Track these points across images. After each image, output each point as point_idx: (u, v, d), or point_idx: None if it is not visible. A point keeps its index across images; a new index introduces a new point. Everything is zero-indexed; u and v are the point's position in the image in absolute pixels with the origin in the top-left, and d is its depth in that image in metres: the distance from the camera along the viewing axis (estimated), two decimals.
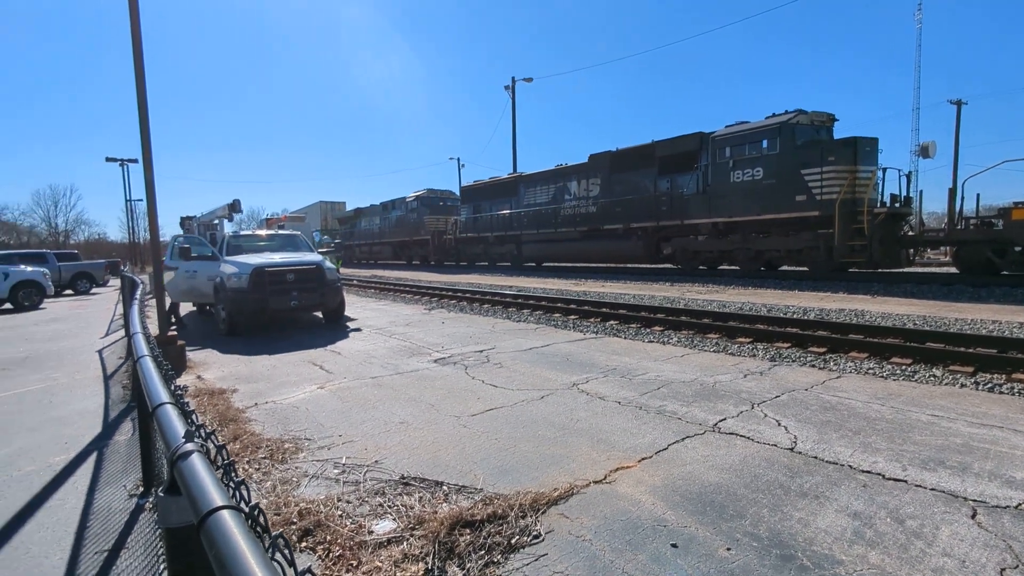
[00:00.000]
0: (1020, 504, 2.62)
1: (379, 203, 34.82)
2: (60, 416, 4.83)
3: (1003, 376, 4.94)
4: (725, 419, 3.97)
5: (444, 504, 2.82)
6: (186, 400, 1.25)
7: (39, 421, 4.69)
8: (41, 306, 16.32)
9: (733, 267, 15.87)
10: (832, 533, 2.42)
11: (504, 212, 23.73)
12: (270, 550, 0.58)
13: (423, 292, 15.00)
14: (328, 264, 9.54)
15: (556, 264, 22.96)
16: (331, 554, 2.40)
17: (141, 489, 3.31)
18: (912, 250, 12.77)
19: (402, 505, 2.85)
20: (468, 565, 2.26)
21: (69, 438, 4.25)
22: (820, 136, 13.52)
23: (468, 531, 2.49)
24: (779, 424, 3.83)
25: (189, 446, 0.88)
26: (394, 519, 2.70)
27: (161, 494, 0.87)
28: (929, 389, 4.64)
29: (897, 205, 12.80)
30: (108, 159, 35.20)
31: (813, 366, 5.63)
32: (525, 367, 5.90)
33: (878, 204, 12.84)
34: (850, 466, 3.11)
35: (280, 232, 11.64)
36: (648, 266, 18.95)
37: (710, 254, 16.04)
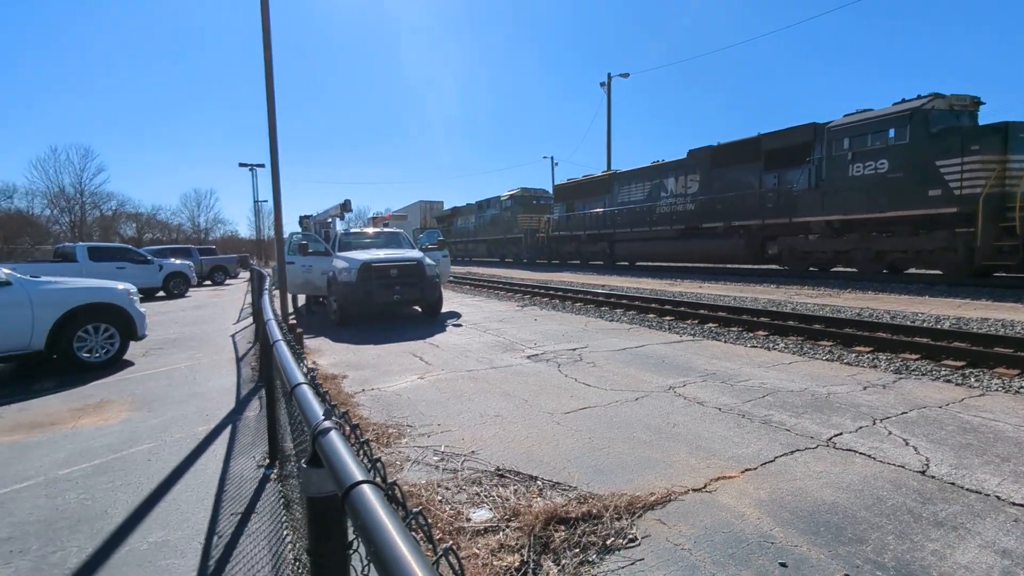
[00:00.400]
0: None
1: (474, 202, 35.88)
2: (202, 391, 5.52)
3: None
4: (841, 434, 3.64)
5: (538, 499, 2.86)
6: (319, 381, 1.38)
7: (185, 395, 5.40)
8: (187, 294, 18.78)
9: (849, 269, 14.43)
10: (975, 571, 2.14)
11: (597, 210, 23.42)
12: (409, 523, 0.63)
13: (516, 289, 15.24)
14: (428, 260, 10.01)
15: (650, 264, 22.26)
16: (432, 538, 2.53)
17: (267, 461, 3.70)
18: None
19: (498, 496, 2.93)
20: (563, 562, 2.27)
21: (209, 411, 4.84)
22: (961, 122, 11.84)
23: (563, 528, 2.50)
24: (907, 444, 3.44)
25: (327, 423, 0.98)
26: (490, 509, 2.79)
27: (304, 465, 0.97)
28: None
29: None
30: (241, 164, 39.56)
31: (948, 381, 4.98)
32: (618, 367, 5.81)
33: None
34: (997, 496, 2.72)
35: (385, 230, 12.43)
36: (750, 267, 17.79)
37: (822, 255, 14.70)
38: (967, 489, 2.81)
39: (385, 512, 0.62)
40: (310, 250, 10.65)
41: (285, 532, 2.75)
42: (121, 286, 6.97)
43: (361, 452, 0.90)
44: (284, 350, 1.83)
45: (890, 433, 3.62)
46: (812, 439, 3.56)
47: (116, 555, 2.55)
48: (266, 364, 4.09)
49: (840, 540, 2.37)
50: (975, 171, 10.84)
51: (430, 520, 2.69)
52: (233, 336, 9.11)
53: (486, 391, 5.06)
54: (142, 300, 7.38)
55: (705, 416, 4.12)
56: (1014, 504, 2.65)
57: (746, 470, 3.11)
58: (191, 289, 20.08)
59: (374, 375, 5.86)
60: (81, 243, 17.99)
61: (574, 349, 6.86)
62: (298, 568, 2.39)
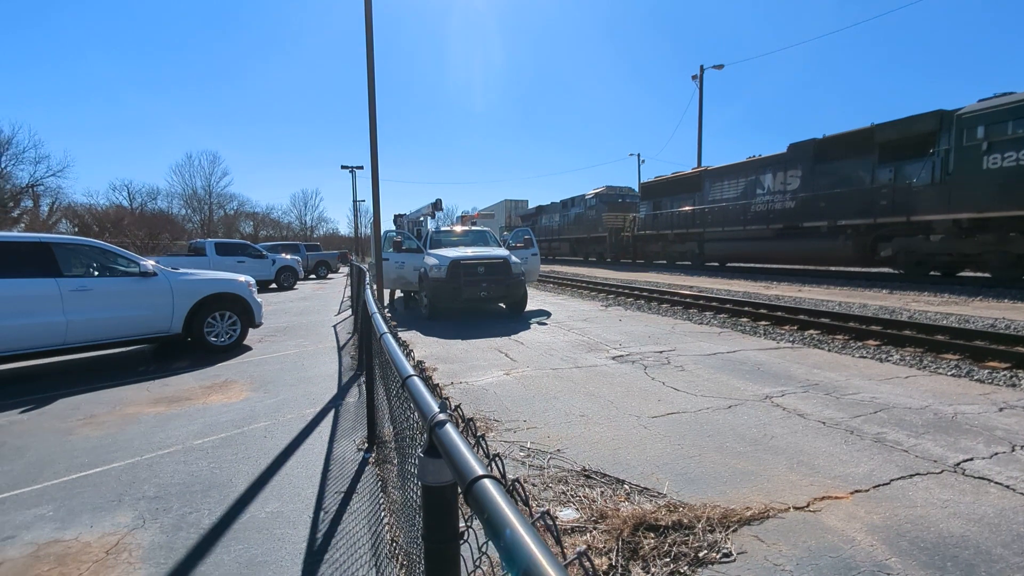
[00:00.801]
0: None
1: (559, 200, 35.86)
2: (309, 376, 6.01)
3: None
4: (972, 459, 3.25)
5: (626, 503, 2.83)
6: (429, 375, 1.47)
7: (295, 379, 5.90)
8: (295, 287, 20.49)
9: (980, 274, 12.72)
10: None
11: (686, 208, 22.50)
12: (535, 522, 0.66)
13: (599, 289, 15.06)
14: (514, 259, 10.18)
15: (742, 265, 21.04)
16: (560, 539, 2.58)
17: (366, 445, 3.97)
18: None
19: (584, 496, 2.93)
20: (653, 570, 2.24)
21: (315, 395, 5.27)
22: None
23: (652, 535, 2.46)
24: None
25: (442, 416, 1.05)
26: (576, 509, 2.80)
27: (421, 455, 1.05)
28: None
29: None
30: (343, 167, 42.41)
31: None
32: (709, 372, 5.57)
33: None
34: None
35: (473, 228, 12.80)
36: (857, 269, 16.26)
37: (947, 257, 13.07)
38: None
39: (510, 509, 0.65)
40: (403, 247, 11.22)
41: (383, 514, 2.94)
42: (242, 278, 7.77)
43: (477, 447, 0.95)
44: (391, 342, 1.96)
45: None
46: (935, 463, 3.21)
47: (240, 520, 2.86)
48: (366, 355, 4.37)
49: None
50: None
51: None
52: (335, 326, 9.82)
53: (571, 390, 5.06)
54: (258, 291, 8.16)
55: (807, 429, 3.85)
56: None
57: (856, 491, 2.87)
58: (298, 282, 21.88)
59: (462, 369, 6.07)
60: (209, 239, 20.20)
61: (661, 351, 6.67)
62: (394, 549, 2.55)
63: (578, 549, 0.58)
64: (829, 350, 6.71)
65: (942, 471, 3.10)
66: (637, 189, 29.82)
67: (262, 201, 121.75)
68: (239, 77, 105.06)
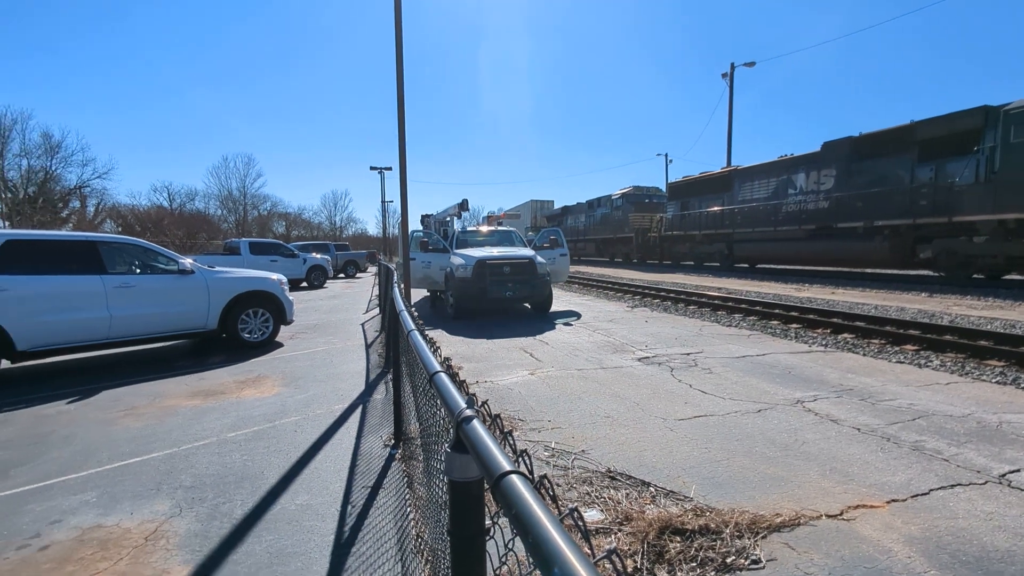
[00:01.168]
0: None
1: (584, 201, 35.68)
2: (337, 373, 6.13)
3: None
4: (1019, 471, 3.11)
5: (651, 505, 2.80)
6: (455, 371, 1.49)
7: (325, 375, 6.03)
8: (324, 285, 20.91)
9: None
10: None
11: (714, 209, 22.10)
12: (563, 519, 0.66)
13: (625, 289, 14.92)
14: (539, 259, 10.18)
15: (772, 266, 20.55)
16: (588, 536, 2.57)
17: (392, 441, 4.02)
18: None
19: (608, 498, 2.91)
20: (679, 575, 2.21)
21: (343, 392, 5.37)
22: None
23: (678, 539, 2.43)
24: None
25: (469, 412, 1.06)
26: (601, 511, 2.79)
27: (448, 450, 1.06)
28: None
29: None
30: (371, 168, 43.06)
31: None
32: (737, 376, 5.46)
33: None
34: None
35: (499, 228, 12.85)
36: (894, 272, 15.69)
37: (992, 259, 12.49)
38: None
39: (539, 505, 0.65)
40: (430, 247, 11.34)
41: (408, 510, 2.98)
42: (274, 277, 7.97)
43: (504, 443, 0.96)
44: (419, 340, 1.99)
45: None
46: (979, 473, 3.08)
47: (271, 512, 2.93)
48: (393, 352, 4.43)
49: None
50: None
51: None
52: (362, 325, 9.99)
53: (596, 391, 5.03)
54: (289, 290, 8.36)
55: (840, 436, 3.74)
56: None
57: (892, 501, 2.78)
58: (328, 281, 22.32)
59: (487, 368, 6.09)
60: (244, 239, 20.77)
61: (688, 353, 6.57)
62: (420, 544, 2.58)
63: (608, 547, 0.58)
64: (864, 354, 6.50)
65: (986, 482, 2.97)
66: (664, 189, 29.43)
67: (294, 202, 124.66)
68: (273, 80, 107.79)
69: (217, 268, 7.57)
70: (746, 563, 2.27)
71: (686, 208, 24.43)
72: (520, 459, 0.89)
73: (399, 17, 7.18)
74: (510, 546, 0.88)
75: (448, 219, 14.47)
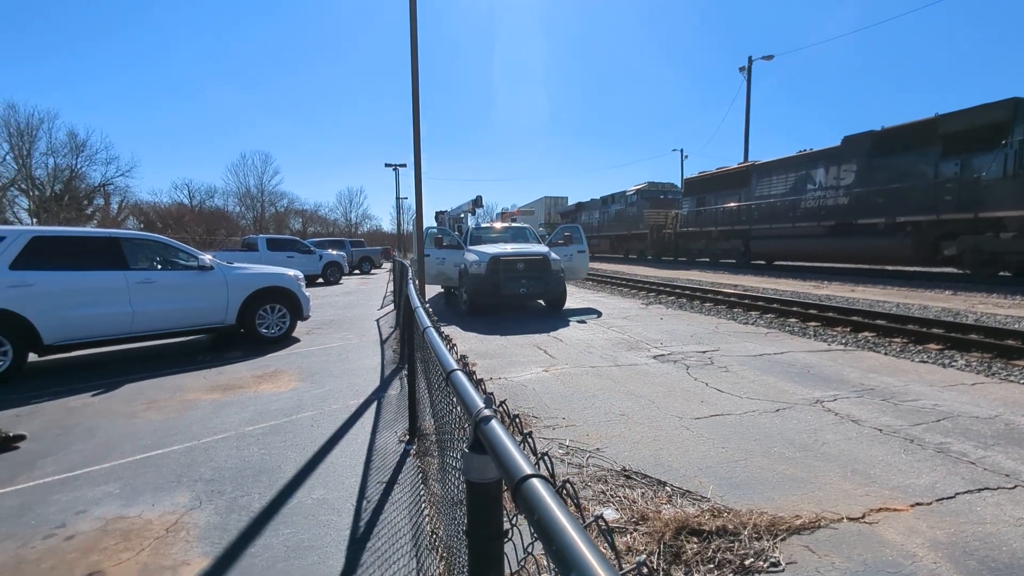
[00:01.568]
0: None
1: (599, 197, 35.47)
2: (353, 368, 6.18)
3: None
4: None
5: (667, 505, 2.78)
6: (472, 369, 1.48)
7: (340, 371, 6.08)
8: (340, 282, 21.10)
9: None
10: None
11: (731, 205, 21.81)
12: (587, 526, 0.65)
13: (640, 286, 14.81)
14: (553, 255, 10.14)
15: (790, 263, 20.24)
16: (614, 544, 2.56)
17: (407, 437, 4.04)
18: None
19: (624, 497, 2.89)
20: None
21: (358, 387, 5.41)
22: None
23: (695, 540, 2.40)
24: None
25: (487, 412, 1.05)
26: (616, 510, 2.77)
27: (467, 450, 1.05)
28: None
29: None
30: (386, 165, 43.34)
31: None
32: (754, 374, 5.39)
33: None
34: None
35: (513, 225, 12.84)
36: (916, 269, 15.35)
37: (1020, 256, 12.15)
38: None
39: (562, 511, 0.63)
40: (444, 243, 11.36)
41: (423, 506, 2.99)
42: (291, 273, 8.06)
43: (523, 444, 0.94)
44: (435, 337, 1.98)
45: None
46: (1007, 477, 2.99)
47: (287, 505, 2.97)
48: (408, 348, 4.44)
49: None
50: None
51: None
52: (377, 321, 10.05)
53: (611, 389, 5.00)
54: (306, 285, 8.44)
55: (861, 436, 3.67)
56: None
57: (916, 504, 2.71)
58: (343, 277, 22.51)
59: (501, 365, 6.09)
60: (261, 236, 21.02)
61: (704, 351, 6.50)
62: (435, 540, 2.59)
63: (638, 559, 0.56)
64: (886, 353, 6.37)
65: (1015, 486, 2.89)
66: (680, 185, 29.13)
67: (310, 199, 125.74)
68: (290, 78, 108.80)
69: (235, 264, 7.67)
70: (765, 566, 2.23)
71: (702, 204, 24.14)
72: (541, 462, 0.88)
73: (414, 14, 7.18)
74: (529, 550, 0.86)
75: (462, 215, 14.50)
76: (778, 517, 2.59)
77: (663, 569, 2.24)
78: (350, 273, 26.24)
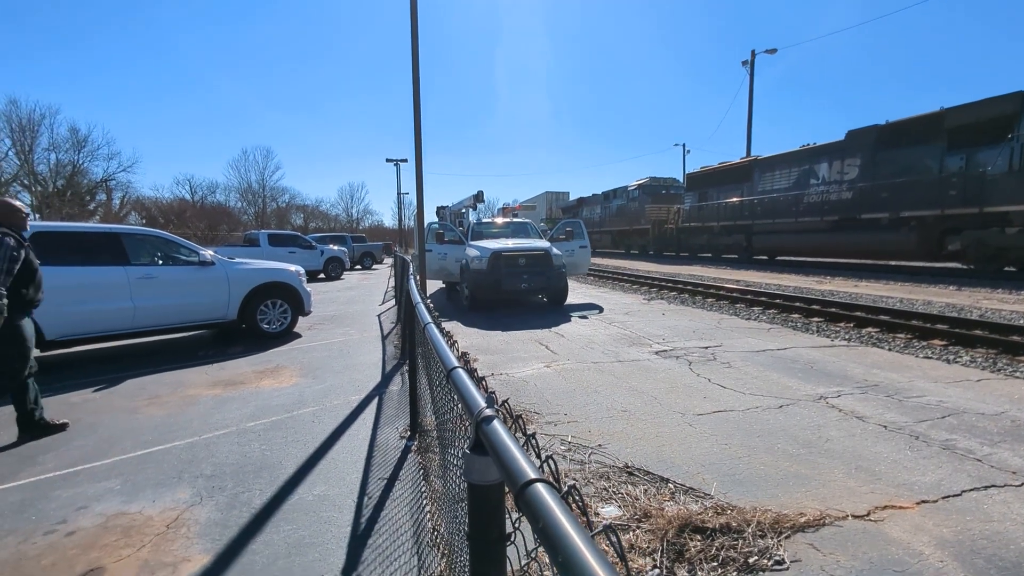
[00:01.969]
0: None
1: (600, 192, 35.37)
2: (354, 364, 6.16)
3: None
4: None
5: (670, 502, 2.76)
6: (473, 367, 1.46)
7: (342, 366, 6.06)
8: (341, 277, 21.09)
9: None
10: None
11: (733, 200, 21.72)
12: (595, 536, 0.62)
13: (641, 282, 14.77)
14: (555, 251, 10.10)
15: (793, 258, 20.16)
16: (624, 556, 2.55)
17: (408, 433, 4.03)
18: None
19: (626, 494, 2.87)
20: (699, 574, 2.16)
21: (360, 383, 5.39)
22: None
23: (698, 537, 2.38)
24: None
25: (489, 411, 1.02)
26: (619, 507, 2.75)
27: (467, 451, 1.02)
28: None
29: None
30: (387, 160, 43.25)
31: None
32: (757, 370, 5.36)
33: None
34: None
35: (514, 220, 12.79)
36: (920, 264, 15.27)
37: None
38: None
39: (568, 520, 0.60)
40: (446, 239, 11.33)
41: (425, 502, 2.97)
42: (292, 268, 8.04)
43: (527, 445, 0.92)
44: (435, 333, 1.96)
45: None
46: (1015, 474, 2.97)
47: (288, 502, 2.95)
48: (409, 344, 4.42)
49: None
50: None
51: None
52: (379, 316, 10.04)
53: (613, 385, 4.98)
54: (307, 281, 8.42)
55: (866, 433, 3.64)
56: None
57: (922, 502, 2.69)
58: (345, 272, 22.50)
59: (502, 360, 6.07)
60: (263, 231, 21.00)
61: (706, 347, 6.47)
62: (436, 537, 2.57)
63: (651, 573, 0.53)
64: (889, 349, 6.34)
65: (1022, 484, 2.86)
66: (682, 180, 29.02)
67: (311, 194, 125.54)
68: (291, 73, 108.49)
69: (237, 259, 7.65)
70: (769, 564, 2.21)
71: (704, 199, 24.06)
72: (546, 465, 0.85)
73: (415, 9, 7.12)
74: (532, 555, 0.84)
75: (463, 211, 14.45)
76: (782, 515, 2.56)
77: (666, 567, 2.22)
78: (351, 268, 26.22)
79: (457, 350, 1.74)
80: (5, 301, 3.60)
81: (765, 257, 21.45)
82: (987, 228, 12.62)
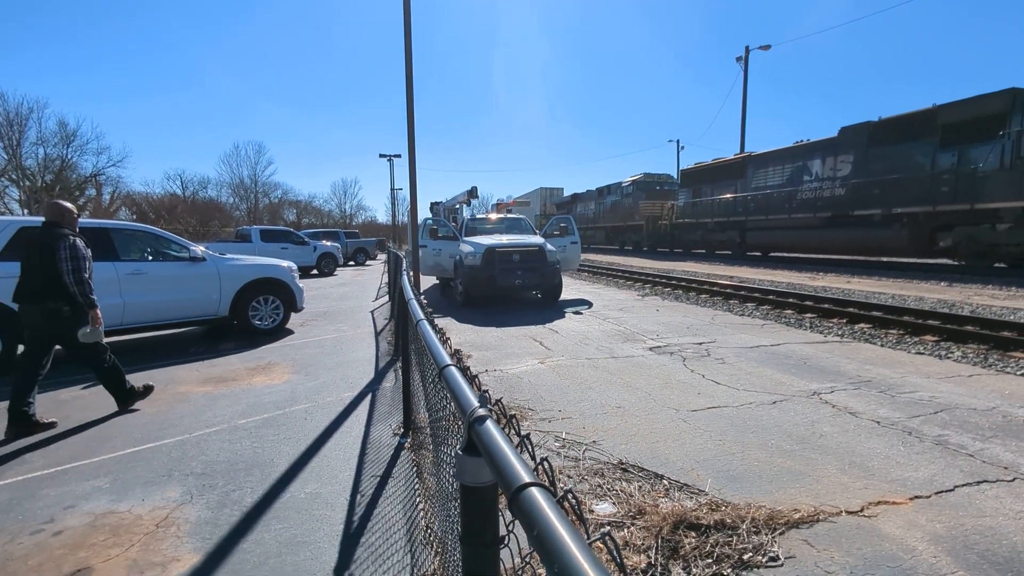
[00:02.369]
0: None
1: (594, 188, 35.35)
2: (347, 360, 6.12)
3: None
4: None
5: (665, 499, 2.75)
6: (466, 364, 1.43)
7: (334, 363, 6.02)
8: (334, 273, 20.96)
9: None
10: None
11: (727, 196, 21.77)
12: (592, 543, 0.59)
13: (636, 278, 14.78)
14: (549, 247, 10.07)
15: (786, 254, 20.25)
16: (623, 566, 2.50)
17: (401, 430, 4.00)
18: None
19: (621, 491, 2.86)
20: (694, 571, 2.15)
21: (352, 379, 5.35)
22: None
23: (693, 534, 2.37)
24: None
25: (482, 411, 0.99)
26: (613, 503, 2.74)
27: (460, 452, 1.00)
28: None
29: None
30: (381, 155, 42.96)
31: None
32: (751, 366, 5.37)
33: None
34: None
35: (508, 216, 12.74)
36: (912, 260, 15.38)
37: (1015, 248, 12.19)
38: None
39: (564, 526, 0.57)
40: (440, 235, 11.27)
41: (418, 500, 2.95)
42: (285, 264, 7.96)
43: (520, 447, 0.89)
44: (428, 330, 1.93)
45: None
46: (1007, 470, 2.98)
47: (280, 500, 2.92)
48: (403, 341, 4.39)
49: None
50: None
51: None
52: (372, 312, 9.98)
53: (607, 381, 4.97)
54: (300, 277, 8.35)
55: (859, 429, 3.65)
56: None
57: (915, 497, 2.69)
58: (338, 268, 22.37)
59: (496, 357, 6.05)
60: (255, 226, 20.83)
61: (700, 343, 6.48)
62: (429, 536, 2.55)
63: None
64: (882, 345, 6.37)
65: (1014, 479, 2.87)
66: (676, 176, 29.05)
67: (304, 190, 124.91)
68: (284, 67, 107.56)
69: (228, 255, 7.57)
70: (764, 560, 2.21)
71: (698, 195, 24.10)
72: (541, 467, 0.83)
73: (407, 3, 7.05)
74: (527, 559, 0.82)
75: (457, 206, 14.40)
76: (776, 511, 2.56)
77: (660, 564, 2.21)
78: (344, 264, 26.09)
79: (450, 347, 1.72)
80: (94, 296, 4.20)
81: (758, 253, 21.54)
82: (978, 224, 12.72)
